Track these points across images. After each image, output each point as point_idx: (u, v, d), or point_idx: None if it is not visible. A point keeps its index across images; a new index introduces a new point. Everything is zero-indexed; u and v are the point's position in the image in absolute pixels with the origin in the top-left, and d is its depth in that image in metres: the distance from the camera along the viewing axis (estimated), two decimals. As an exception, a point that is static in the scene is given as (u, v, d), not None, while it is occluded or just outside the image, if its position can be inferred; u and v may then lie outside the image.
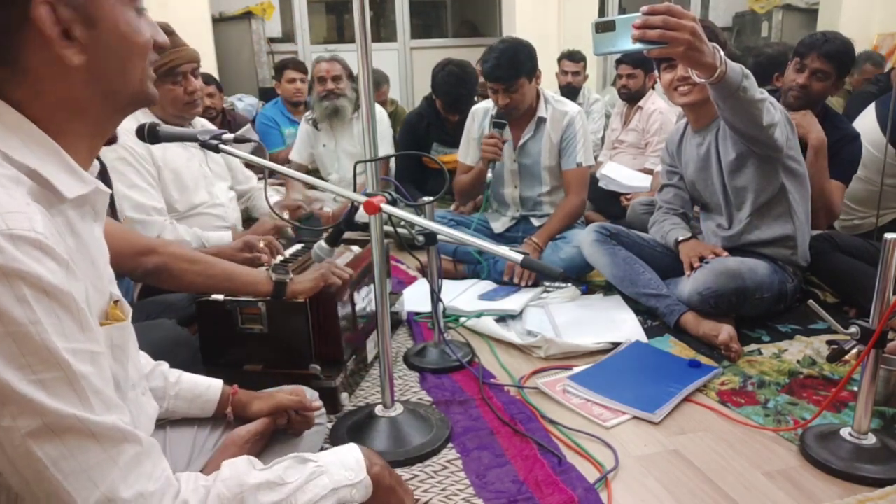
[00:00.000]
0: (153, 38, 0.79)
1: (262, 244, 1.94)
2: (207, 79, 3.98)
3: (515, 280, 2.51)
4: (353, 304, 1.81)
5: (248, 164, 2.58)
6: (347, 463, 0.84)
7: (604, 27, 1.44)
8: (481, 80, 4.29)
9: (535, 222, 2.82)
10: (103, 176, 1.72)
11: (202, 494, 0.73)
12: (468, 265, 2.74)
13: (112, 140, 1.65)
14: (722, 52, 1.62)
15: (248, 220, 2.56)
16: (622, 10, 6.83)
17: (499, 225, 2.90)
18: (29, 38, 0.68)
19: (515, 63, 2.54)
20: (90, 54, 0.72)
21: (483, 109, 2.83)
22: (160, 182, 2.10)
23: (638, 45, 1.44)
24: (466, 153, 2.89)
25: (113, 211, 1.90)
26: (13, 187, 0.66)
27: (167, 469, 0.72)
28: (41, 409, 0.62)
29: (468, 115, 2.89)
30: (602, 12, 6.44)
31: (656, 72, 2.36)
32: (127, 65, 0.76)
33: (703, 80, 1.68)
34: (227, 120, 4.02)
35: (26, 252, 0.62)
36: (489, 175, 2.64)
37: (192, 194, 2.18)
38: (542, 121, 2.70)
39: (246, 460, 0.79)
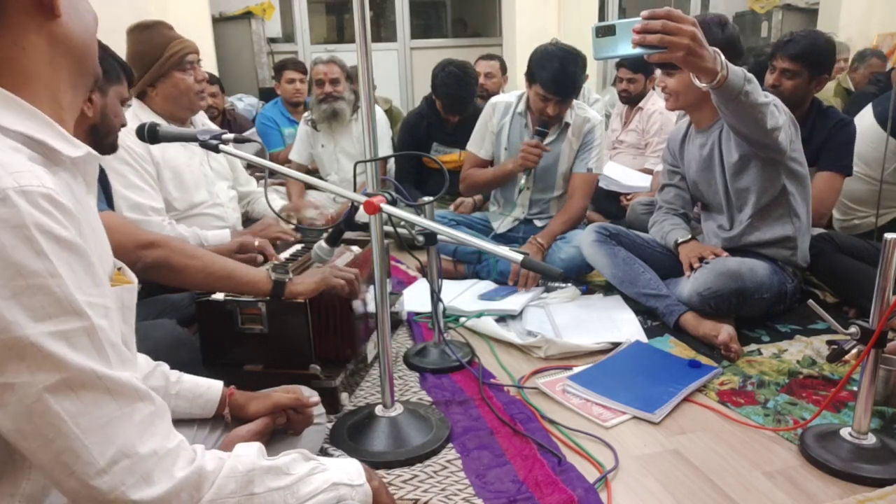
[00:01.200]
0: None
1: (257, 243, 1.94)
2: (211, 78, 3.98)
3: (520, 287, 2.49)
4: (366, 304, 1.81)
5: (248, 166, 2.59)
6: (348, 469, 0.87)
7: (604, 31, 1.44)
8: (482, 80, 4.31)
9: (538, 223, 2.82)
10: (100, 178, 1.73)
11: (218, 464, 0.74)
12: (468, 265, 2.74)
13: (113, 148, 1.65)
14: (723, 57, 1.61)
15: (248, 221, 2.56)
16: (622, 11, 6.84)
17: (500, 225, 2.90)
18: None
19: (576, 79, 2.53)
20: (68, 15, 0.74)
21: (504, 104, 2.78)
22: (159, 181, 2.10)
23: (638, 50, 1.45)
24: (480, 146, 2.84)
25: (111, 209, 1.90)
26: (14, 153, 0.67)
27: (181, 435, 0.73)
28: (60, 363, 0.63)
29: (487, 107, 2.84)
30: (602, 12, 6.44)
31: (657, 73, 2.37)
32: (92, 34, 0.78)
33: (704, 85, 1.67)
34: (228, 120, 4.02)
35: (39, 206, 0.63)
36: (522, 181, 2.62)
37: (191, 194, 2.18)
38: (566, 126, 2.69)
39: (258, 447, 0.81)
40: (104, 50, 0.83)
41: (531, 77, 2.58)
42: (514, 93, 2.82)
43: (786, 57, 2.39)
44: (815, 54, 2.39)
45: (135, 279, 0.86)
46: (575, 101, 2.74)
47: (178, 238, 1.89)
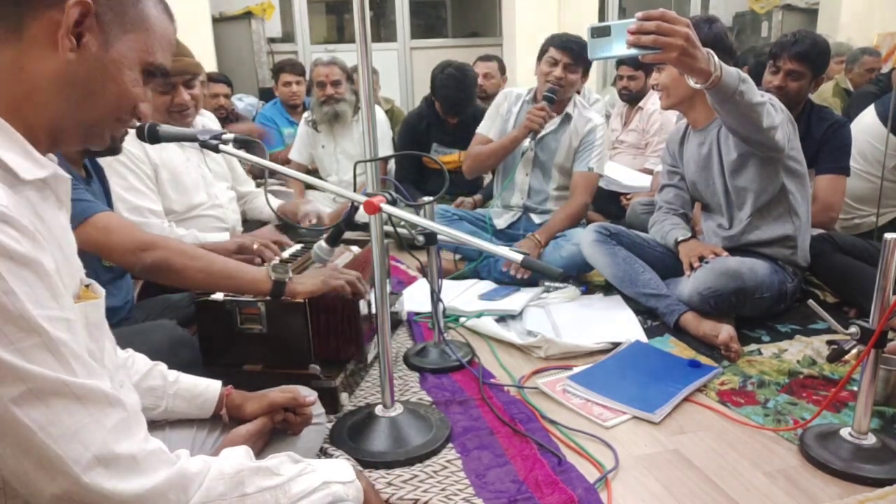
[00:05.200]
0: (140, 104, 0.81)
1: (255, 246, 1.94)
2: (218, 78, 3.97)
3: (512, 272, 2.53)
4: (369, 304, 1.81)
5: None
6: (337, 468, 0.87)
7: (599, 32, 1.45)
8: (480, 81, 4.31)
9: (537, 219, 2.84)
10: (100, 178, 1.73)
11: (203, 466, 0.74)
12: (469, 261, 2.77)
13: (113, 151, 1.65)
14: (716, 58, 1.62)
15: (246, 221, 2.55)
16: (622, 11, 6.84)
17: (501, 221, 2.92)
18: (47, 10, 0.70)
19: (584, 46, 2.60)
20: (81, 62, 0.73)
21: (516, 94, 2.91)
22: (157, 183, 2.09)
23: (633, 50, 1.46)
24: (490, 127, 2.91)
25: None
26: None
27: (159, 441, 0.72)
28: (24, 374, 0.63)
29: (500, 94, 2.96)
30: (602, 12, 6.44)
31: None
32: (103, 94, 0.77)
33: (698, 86, 1.68)
34: (230, 120, 4.01)
35: None
36: (526, 143, 2.67)
37: (190, 195, 2.18)
38: (567, 118, 2.77)
39: (245, 449, 0.81)
40: None
41: (543, 50, 2.72)
42: (525, 87, 2.94)
43: (792, 57, 2.38)
44: (818, 54, 2.39)
45: (102, 294, 0.86)
46: (580, 100, 2.83)
47: (177, 239, 1.89)
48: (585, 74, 2.75)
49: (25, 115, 0.73)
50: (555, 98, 2.66)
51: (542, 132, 2.74)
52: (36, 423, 0.63)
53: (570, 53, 2.63)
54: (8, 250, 0.63)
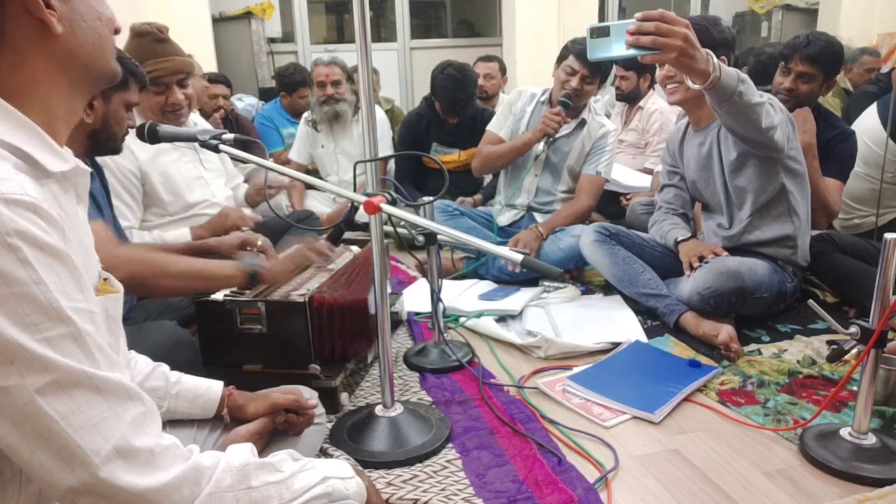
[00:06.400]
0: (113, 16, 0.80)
1: (259, 241, 1.94)
2: (218, 78, 3.95)
3: (518, 247, 2.56)
4: (367, 304, 1.82)
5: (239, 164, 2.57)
6: (337, 465, 0.88)
7: (598, 32, 1.46)
8: (481, 81, 4.31)
9: (540, 219, 2.85)
10: (100, 177, 1.73)
11: (213, 460, 0.75)
12: (469, 260, 2.78)
13: (115, 151, 1.65)
14: (715, 58, 1.62)
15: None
16: (622, 10, 6.84)
17: (504, 219, 2.94)
18: (10, 6, 0.69)
19: (602, 66, 2.68)
20: (66, 25, 0.73)
21: (530, 93, 2.91)
22: (150, 187, 2.08)
23: (632, 51, 1.47)
24: (501, 126, 2.92)
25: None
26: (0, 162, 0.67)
27: (173, 437, 0.73)
28: (50, 364, 0.63)
29: (513, 92, 2.96)
30: (602, 12, 6.44)
31: (658, 70, 2.36)
32: (100, 37, 0.77)
33: (697, 86, 1.68)
34: (229, 120, 4.01)
35: (21, 214, 0.63)
36: (540, 147, 2.70)
37: (185, 195, 2.17)
38: (582, 123, 2.79)
39: (249, 446, 0.82)
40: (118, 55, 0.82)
41: (563, 55, 2.72)
42: (540, 87, 2.95)
43: (804, 59, 2.33)
44: (830, 56, 2.36)
45: (121, 288, 0.87)
46: (597, 109, 2.87)
47: (141, 248, 1.86)
48: (602, 84, 2.77)
49: (48, 105, 0.74)
50: (570, 104, 2.68)
51: (557, 134, 2.75)
52: (58, 414, 0.64)
53: (588, 66, 2.64)
54: (38, 240, 0.64)
